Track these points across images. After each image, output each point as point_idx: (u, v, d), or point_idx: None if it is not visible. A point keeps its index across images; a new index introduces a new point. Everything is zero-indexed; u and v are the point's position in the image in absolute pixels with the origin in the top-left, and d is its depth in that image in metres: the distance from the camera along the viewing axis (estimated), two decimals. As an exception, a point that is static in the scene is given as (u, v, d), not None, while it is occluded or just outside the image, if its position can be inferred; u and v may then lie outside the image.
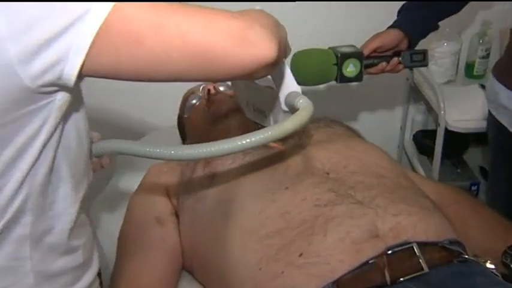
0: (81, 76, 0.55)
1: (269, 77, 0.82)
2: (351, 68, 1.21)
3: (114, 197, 1.28)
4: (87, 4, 0.52)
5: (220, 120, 1.21)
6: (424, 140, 1.79)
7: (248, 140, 0.68)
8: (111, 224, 1.15)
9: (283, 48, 0.68)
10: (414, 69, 1.71)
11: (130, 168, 1.34)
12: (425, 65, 1.33)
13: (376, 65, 1.26)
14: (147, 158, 0.74)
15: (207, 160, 1.05)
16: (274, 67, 0.65)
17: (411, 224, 0.83)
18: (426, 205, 0.91)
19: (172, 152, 0.71)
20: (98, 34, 0.52)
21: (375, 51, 1.25)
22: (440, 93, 1.54)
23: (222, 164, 1.02)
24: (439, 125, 1.53)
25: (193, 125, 1.28)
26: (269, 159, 1.00)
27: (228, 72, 0.62)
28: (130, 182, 1.22)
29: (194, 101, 1.29)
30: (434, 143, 1.57)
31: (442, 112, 1.51)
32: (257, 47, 0.60)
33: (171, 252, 1.01)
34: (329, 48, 1.21)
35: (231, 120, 1.17)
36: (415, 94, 1.83)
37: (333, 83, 1.21)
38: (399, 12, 1.29)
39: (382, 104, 1.91)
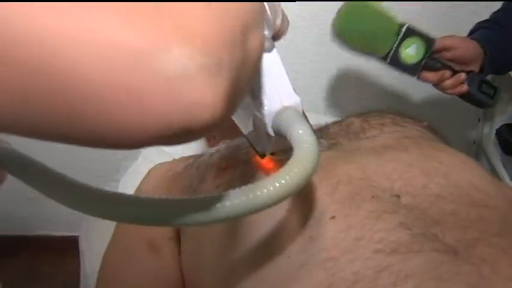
0: None
1: None
2: (411, 51, 0.90)
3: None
4: None
5: None
6: (511, 137, 1.44)
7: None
8: (103, 240, 0.89)
9: (244, 80, 0.33)
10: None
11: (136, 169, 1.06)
12: (491, 105, 1.02)
13: (438, 69, 0.94)
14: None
15: (220, 167, 0.74)
16: (217, 127, 0.31)
17: None
18: None
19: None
20: None
21: (442, 50, 0.94)
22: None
23: (242, 174, 0.71)
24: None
25: None
26: None
27: (106, 136, 0.28)
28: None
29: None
30: (526, 142, 1.24)
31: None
32: (174, 96, 0.27)
33: None
34: None
35: None
36: (498, 76, 1.47)
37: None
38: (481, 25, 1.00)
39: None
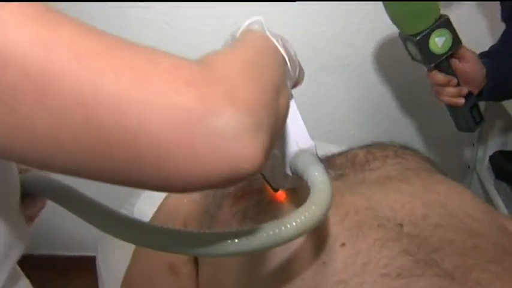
0: None
1: None
2: (439, 41, 0.96)
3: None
4: None
5: None
6: (504, 164, 1.50)
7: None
8: (120, 262, 0.94)
9: (276, 134, 0.39)
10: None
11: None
12: (472, 130, 1.11)
13: (448, 74, 1.01)
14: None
15: (236, 195, 0.80)
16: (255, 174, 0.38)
17: None
18: None
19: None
20: None
21: (458, 58, 1.01)
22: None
23: (256, 203, 0.77)
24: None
25: None
26: None
27: (167, 183, 0.35)
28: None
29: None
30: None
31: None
32: (226, 151, 0.33)
33: None
34: None
35: None
36: (492, 105, 1.54)
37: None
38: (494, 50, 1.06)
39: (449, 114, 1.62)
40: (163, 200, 0.92)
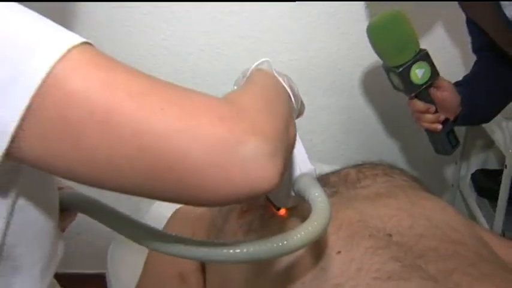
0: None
1: None
2: (419, 73, 1.05)
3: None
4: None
5: None
6: (485, 182, 1.59)
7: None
8: (131, 275, 1.01)
9: (287, 159, 0.48)
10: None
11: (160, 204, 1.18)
12: (448, 153, 1.20)
13: (427, 102, 1.10)
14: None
15: (242, 209, 0.89)
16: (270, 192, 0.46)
17: None
18: None
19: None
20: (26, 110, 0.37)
21: (435, 87, 1.10)
22: (507, 128, 1.34)
23: (260, 217, 0.86)
24: (505, 166, 1.33)
25: None
26: None
27: (201, 198, 0.42)
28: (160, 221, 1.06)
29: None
30: (497, 185, 1.36)
31: (511, 151, 1.31)
32: (250, 173, 0.41)
33: None
34: None
35: None
36: (473, 127, 1.63)
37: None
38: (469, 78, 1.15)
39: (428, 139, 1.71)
40: (172, 214, 0.99)
